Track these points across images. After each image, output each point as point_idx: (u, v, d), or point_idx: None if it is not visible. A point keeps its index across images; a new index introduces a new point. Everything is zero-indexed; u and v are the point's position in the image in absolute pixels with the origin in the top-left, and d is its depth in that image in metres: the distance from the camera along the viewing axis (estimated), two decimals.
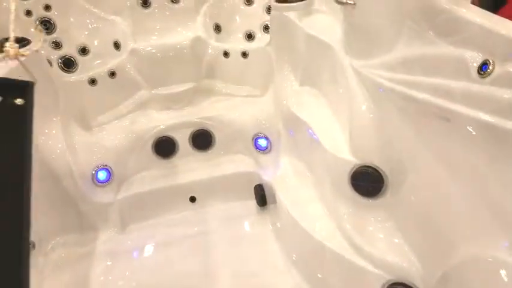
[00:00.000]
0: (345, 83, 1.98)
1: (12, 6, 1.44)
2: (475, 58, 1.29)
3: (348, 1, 1.87)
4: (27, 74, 1.36)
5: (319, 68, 2.33)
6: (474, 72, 1.28)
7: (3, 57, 1.33)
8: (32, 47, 1.35)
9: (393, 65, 1.67)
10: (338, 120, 2.13)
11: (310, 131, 2.19)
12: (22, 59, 1.36)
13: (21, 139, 1.27)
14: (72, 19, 3.04)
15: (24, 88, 1.29)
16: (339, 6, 2.02)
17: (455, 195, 1.43)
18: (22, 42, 2.51)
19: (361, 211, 1.87)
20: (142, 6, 3.12)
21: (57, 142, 2.42)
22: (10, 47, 1.39)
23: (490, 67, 1.23)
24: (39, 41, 1.37)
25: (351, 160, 1.89)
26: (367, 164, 1.84)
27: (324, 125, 2.16)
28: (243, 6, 3.29)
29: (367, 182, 1.84)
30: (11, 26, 1.39)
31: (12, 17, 1.41)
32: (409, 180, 1.68)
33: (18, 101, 1.28)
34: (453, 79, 1.36)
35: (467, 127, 1.29)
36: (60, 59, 2.98)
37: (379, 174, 1.81)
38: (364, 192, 1.86)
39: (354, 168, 1.88)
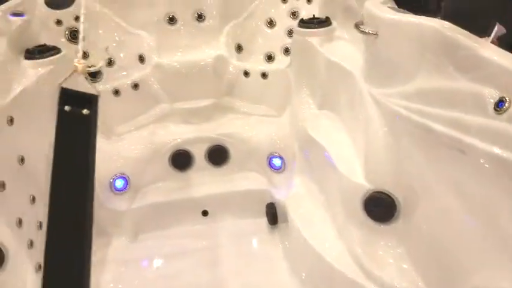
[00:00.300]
0: (362, 109, 2.04)
1: (81, 28, 1.57)
2: (492, 95, 1.34)
3: (371, 31, 1.94)
4: (91, 88, 1.46)
5: (338, 92, 2.39)
6: (491, 108, 1.33)
7: (72, 72, 1.45)
8: (97, 64, 1.53)
9: (411, 95, 1.72)
10: (354, 145, 2.18)
11: (325, 153, 2.24)
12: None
13: (87, 142, 1.49)
14: (100, 31, 3.15)
15: (90, 100, 1.50)
16: (360, 34, 2.10)
17: (466, 226, 1.47)
18: (53, 50, 2.64)
19: (372, 235, 1.91)
20: (169, 22, 3.23)
21: None
22: (78, 63, 1.55)
23: (506, 104, 1.28)
24: (102, 60, 1.53)
25: (365, 185, 1.93)
26: (381, 190, 1.88)
27: (339, 149, 2.21)
28: (265, 28, 3.39)
29: (380, 207, 1.88)
30: (80, 45, 1.52)
31: (80, 37, 1.55)
32: (421, 208, 1.72)
33: (85, 111, 1.50)
34: (470, 113, 1.42)
35: (482, 160, 1.33)
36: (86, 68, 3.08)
37: (392, 200, 1.86)
38: (376, 217, 1.90)
39: (368, 193, 1.92)
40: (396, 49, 1.81)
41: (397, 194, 1.85)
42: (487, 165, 1.31)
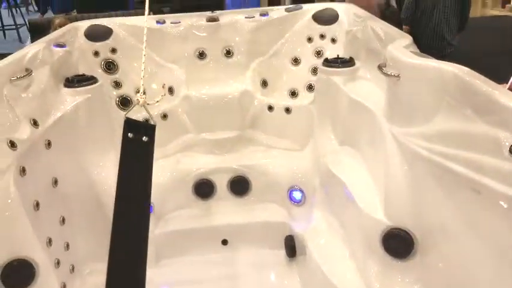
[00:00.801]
0: (383, 148, 2.11)
1: (142, 67, 1.88)
2: (507, 138, 1.40)
3: (393, 74, 2.02)
4: (150, 118, 1.76)
5: (360, 130, 2.47)
6: (506, 151, 1.38)
7: (134, 105, 1.75)
8: (155, 99, 1.78)
9: (431, 135, 1.79)
10: (374, 181, 2.24)
11: (346, 189, 2.30)
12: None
13: (146, 165, 1.69)
14: (134, 63, 3.32)
15: (149, 129, 1.71)
16: (382, 75, 2.19)
17: (483, 266, 1.50)
18: (91, 80, 2.80)
19: (390, 271, 1.94)
20: (198, 57, 3.39)
21: (109, 174, 2.61)
22: (140, 97, 1.76)
23: None
24: (161, 96, 1.76)
25: (384, 221, 1.98)
26: (400, 227, 1.92)
27: (359, 185, 2.27)
28: (290, 66, 3.51)
29: (398, 244, 1.91)
30: (142, 82, 1.80)
31: (142, 74, 1.75)
32: (438, 245, 1.75)
33: (145, 139, 1.69)
34: (486, 155, 1.47)
35: (498, 201, 1.38)
36: (118, 97, 3.24)
37: (410, 237, 1.89)
38: (394, 253, 1.93)
39: (386, 230, 1.96)
40: (417, 91, 1.88)
41: (415, 231, 1.89)
42: (502, 206, 1.36)
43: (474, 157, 1.51)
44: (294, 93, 3.42)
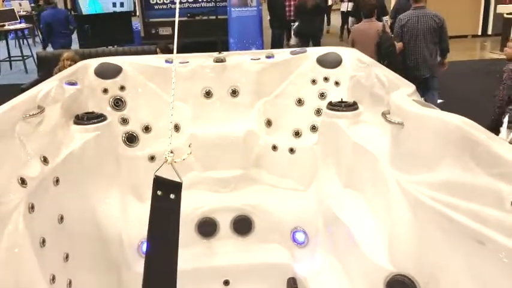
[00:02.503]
0: (387, 193, 2.14)
1: (171, 126, 2.04)
2: (509, 191, 1.44)
3: (397, 122, 2.08)
4: (177, 176, 1.84)
5: (363, 174, 2.50)
6: (508, 204, 1.42)
7: (163, 163, 1.85)
8: (182, 157, 1.88)
9: (435, 184, 1.82)
10: (378, 226, 2.26)
11: (349, 232, 2.32)
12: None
13: (174, 220, 1.86)
14: (142, 101, 3.40)
15: (176, 187, 1.83)
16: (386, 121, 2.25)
17: None
18: (100, 118, 2.86)
19: None
20: (205, 96, 3.47)
21: (114, 211, 2.64)
22: (168, 156, 1.87)
23: None
24: (187, 154, 1.86)
25: (388, 268, 1.99)
26: (403, 274, 1.93)
27: (363, 229, 2.29)
28: (294, 106, 3.58)
29: None
30: (170, 141, 1.92)
31: (170, 132, 1.95)
32: None
33: (172, 196, 1.83)
34: (489, 207, 1.51)
35: (500, 253, 1.41)
36: (125, 134, 3.29)
37: (414, 284, 1.90)
38: None
39: (390, 276, 1.97)
40: (421, 140, 1.94)
41: (419, 279, 1.90)
42: (506, 260, 1.38)
43: (478, 208, 1.55)
44: (297, 134, 3.47)
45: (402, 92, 2.28)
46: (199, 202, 3.09)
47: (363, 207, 2.45)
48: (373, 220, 2.31)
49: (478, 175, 1.60)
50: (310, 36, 9.30)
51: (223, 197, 3.15)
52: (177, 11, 2.12)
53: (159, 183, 1.81)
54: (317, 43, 9.31)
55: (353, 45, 5.85)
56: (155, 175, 1.81)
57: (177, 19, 2.10)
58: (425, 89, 5.92)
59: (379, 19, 7.14)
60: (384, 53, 5.55)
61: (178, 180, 1.83)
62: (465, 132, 1.69)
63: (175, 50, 2.20)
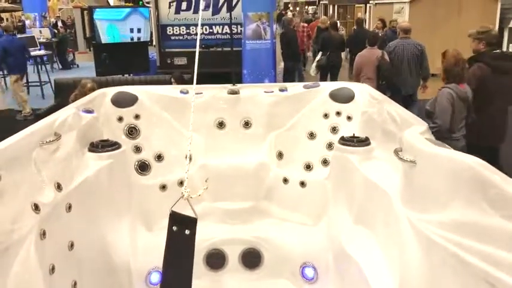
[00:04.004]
0: (398, 231, 2.12)
1: (187, 163, 2.10)
2: None
3: (409, 160, 2.08)
4: (192, 212, 1.87)
5: (375, 211, 2.49)
6: None
7: (179, 198, 1.87)
8: (198, 193, 1.96)
9: (447, 224, 1.81)
10: (388, 264, 2.23)
11: (360, 271, 2.29)
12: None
13: (189, 258, 1.85)
14: (155, 130, 3.45)
15: (191, 222, 1.86)
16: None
17: None
18: (114, 146, 2.90)
19: None
20: (218, 127, 3.51)
21: (123, 240, 2.64)
22: (185, 191, 1.92)
23: None
24: (203, 189, 1.90)
25: None
26: None
27: (374, 268, 2.25)
28: (306, 139, 3.60)
29: None
30: (186, 175, 1.95)
31: (187, 168, 2.00)
32: None
33: (187, 232, 1.85)
34: (502, 250, 1.49)
35: None
36: (137, 162, 3.32)
37: None
38: None
39: None
40: (433, 179, 1.93)
41: None
42: None
43: (490, 250, 1.52)
44: (309, 167, 3.48)
45: (415, 129, 2.28)
46: (208, 233, 3.08)
47: (374, 245, 2.42)
48: (384, 259, 2.28)
49: (490, 216, 1.59)
50: (331, 68, 9.77)
51: (233, 229, 3.14)
52: (197, 46, 2.19)
53: (174, 218, 1.84)
54: (336, 74, 9.67)
55: (359, 68, 6.86)
56: (171, 210, 1.84)
57: (197, 53, 2.16)
58: (406, 104, 6.41)
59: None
60: (382, 75, 6.59)
61: (194, 215, 1.87)
62: (477, 172, 1.68)
63: (194, 82, 2.26)
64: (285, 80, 10.26)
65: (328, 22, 11.47)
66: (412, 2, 11.89)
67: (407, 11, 11.99)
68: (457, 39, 11.42)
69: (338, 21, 14.73)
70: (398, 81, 6.73)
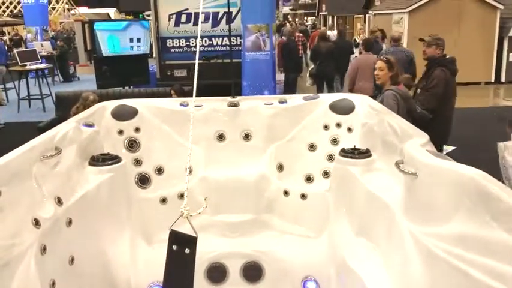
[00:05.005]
0: (401, 244, 2.11)
1: (187, 179, 2.12)
2: None
3: (411, 172, 2.08)
4: (192, 230, 1.83)
5: (376, 224, 2.47)
6: None
7: (179, 217, 1.84)
8: (197, 211, 1.93)
9: (449, 237, 1.79)
10: (390, 277, 2.21)
11: (362, 284, 2.27)
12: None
13: (189, 277, 1.83)
14: (156, 142, 3.44)
15: (191, 241, 1.82)
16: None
17: None
18: (115, 159, 2.90)
19: None
20: (218, 139, 3.51)
21: (123, 254, 2.63)
22: (184, 209, 1.88)
23: None
24: (203, 208, 1.88)
25: None
26: None
27: (376, 281, 2.24)
28: (306, 151, 3.59)
29: None
30: (185, 193, 1.95)
31: (186, 186, 2.00)
32: None
33: (187, 251, 1.81)
34: (504, 262, 1.48)
35: None
36: (138, 175, 3.32)
37: None
38: None
39: None
40: (435, 192, 1.92)
41: None
42: None
43: (493, 264, 1.51)
44: (309, 179, 3.46)
45: (416, 141, 2.28)
46: (209, 247, 3.06)
47: (376, 258, 2.40)
48: (387, 272, 2.26)
49: (492, 229, 1.57)
50: (324, 78, 9.71)
51: (234, 242, 3.12)
52: (197, 59, 2.19)
53: (174, 237, 1.81)
54: (331, 84, 9.73)
55: (355, 70, 7.17)
56: (171, 229, 1.82)
57: (196, 65, 2.17)
58: None
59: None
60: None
61: (194, 234, 1.84)
62: (479, 184, 1.68)
63: (194, 94, 2.26)
64: (286, 91, 10.30)
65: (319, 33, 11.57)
66: (411, 12, 11.97)
67: (406, 20, 12.07)
68: (456, 49, 11.53)
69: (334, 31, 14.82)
70: None
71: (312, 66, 10.11)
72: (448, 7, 11.61)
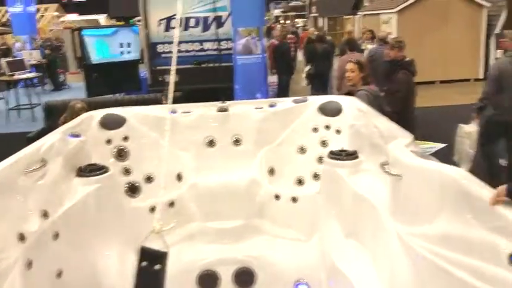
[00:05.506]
0: (388, 245, 2.12)
1: (159, 207, 1.91)
2: (507, 246, 1.43)
3: (395, 173, 2.09)
4: (163, 244, 1.83)
5: (365, 225, 2.48)
6: (505, 258, 1.41)
7: (151, 232, 1.77)
8: (169, 225, 1.91)
9: (434, 237, 1.81)
10: (378, 278, 2.22)
11: (351, 286, 2.27)
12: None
13: None
14: (145, 151, 3.42)
15: (161, 256, 1.83)
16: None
17: None
18: (102, 170, 2.88)
19: None
20: (208, 145, 3.50)
21: (112, 266, 2.61)
22: (157, 224, 1.92)
23: None
24: (173, 224, 1.87)
25: None
26: None
27: (364, 282, 2.24)
28: (296, 154, 3.59)
29: None
30: (158, 209, 1.92)
31: (159, 206, 1.83)
32: None
33: (157, 267, 1.81)
34: (486, 262, 1.49)
35: None
36: (127, 184, 3.29)
37: None
38: None
39: None
40: (419, 192, 1.94)
41: None
42: None
43: (476, 264, 1.52)
44: (300, 182, 3.46)
45: (399, 142, 2.29)
46: (200, 254, 3.06)
47: (364, 259, 2.41)
48: (375, 273, 2.27)
49: (475, 229, 1.59)
50: (319, 77, 9.85)
51: (225, 248, 3.11)
52: (173, 64, 2.18)
53: (144, 253, 1.81)
54: (326, 84, 9.82)
55: (342, 70, 7.12)
56: (141, 246, 1.79)
57: (173, 72, 2.16)
58: None
59: None
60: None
61: (165, 249, 1.84)
62: (461, 184, 1.69)
63: (170, 102, 2.25)
64: (279, 94, 10.32)
65: (316, 34, 11.68)
66: (399, 12, 12.02)
67: (395, 21, 12.11)
68: (444, 48, 11.58)
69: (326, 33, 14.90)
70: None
71: (308, 67, 10.23)
72: (435, 6, 11.67)
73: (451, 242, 1.69)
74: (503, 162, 4.77)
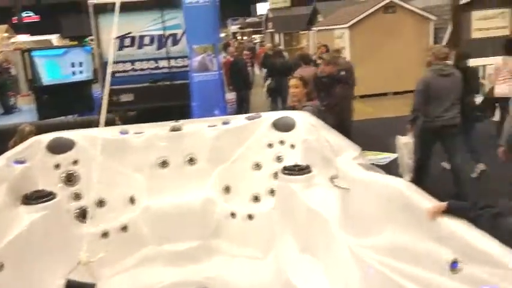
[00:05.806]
0: (339, 258, 2.14)
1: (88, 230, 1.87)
2: (448, 255, 1.47)
3: (343, 187, 2.12)
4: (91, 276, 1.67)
5: (318, 238, 2.50)
6: (447, 267, 1.45)
7: (77, 264, 1.70)
8: (98, 255, 1.81)
9: (382, 248, 1.84)
10: None
11: None
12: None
13: None
14: (95, 173, 3.32)
15: None
16: None
17: None
18: (49, 196, 2.78)
19: None
20: (160, 166, 3.44)
21: None
22: (84, 255, 1.94)
23: (459, 265, 1.41)
24: (102, 254, 1.81)
25: None
26: None
27: None
28: (252, 171, 3.58)
29: None
30: (84, 245, 1.78)
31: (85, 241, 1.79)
32: None
33: None
34: (430, 271, 1.53)
35: None
36: (78, 209, 3.17)
37: None
38: None
39: None
40: (367, 204, 1.97)
41: None
42: None
43: (421, 274, 1.56)
44: (256, 198, 3.44)
45: (347, 156, 2.34)
46: (157, 277, 2.98)
47: (318, 273, 2.42)
48: (328, 287, 2.28)
49: (419, 239, 1.63)
50: (278, 92, 9.99)
51: (182, 271, 3.05)
52: (107, 86, 2.14)
53: (70, 286, 1.74)
54: (284, 99, 10.01)
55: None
56: (67, 279, 1.72)
57: (106, 91, 2.12)
58: None
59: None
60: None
61: (92, 282, 1.77)
62: (404, 195, 1.73)
63: (101, 124, 2.19)
64: (240, 109, 10.37)
65: (273, 49, 11.96)
66: (351, 27, 12.40)
67: (347, 35, 12.48)
68: (395, 60, 12.00)
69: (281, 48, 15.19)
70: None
71: (268, 81, 10.44)
72: (384, 21, 12.13)
73: (398, 252, 1.73)
74: (445, 165, 4.97)
